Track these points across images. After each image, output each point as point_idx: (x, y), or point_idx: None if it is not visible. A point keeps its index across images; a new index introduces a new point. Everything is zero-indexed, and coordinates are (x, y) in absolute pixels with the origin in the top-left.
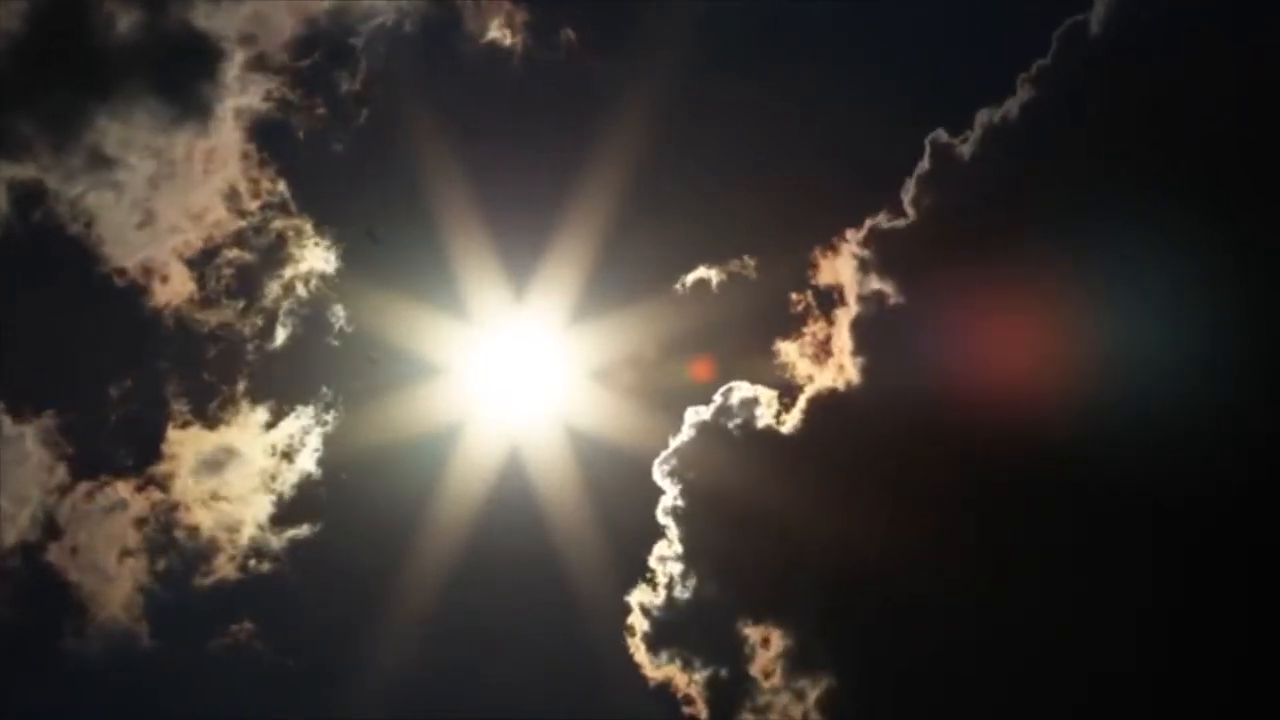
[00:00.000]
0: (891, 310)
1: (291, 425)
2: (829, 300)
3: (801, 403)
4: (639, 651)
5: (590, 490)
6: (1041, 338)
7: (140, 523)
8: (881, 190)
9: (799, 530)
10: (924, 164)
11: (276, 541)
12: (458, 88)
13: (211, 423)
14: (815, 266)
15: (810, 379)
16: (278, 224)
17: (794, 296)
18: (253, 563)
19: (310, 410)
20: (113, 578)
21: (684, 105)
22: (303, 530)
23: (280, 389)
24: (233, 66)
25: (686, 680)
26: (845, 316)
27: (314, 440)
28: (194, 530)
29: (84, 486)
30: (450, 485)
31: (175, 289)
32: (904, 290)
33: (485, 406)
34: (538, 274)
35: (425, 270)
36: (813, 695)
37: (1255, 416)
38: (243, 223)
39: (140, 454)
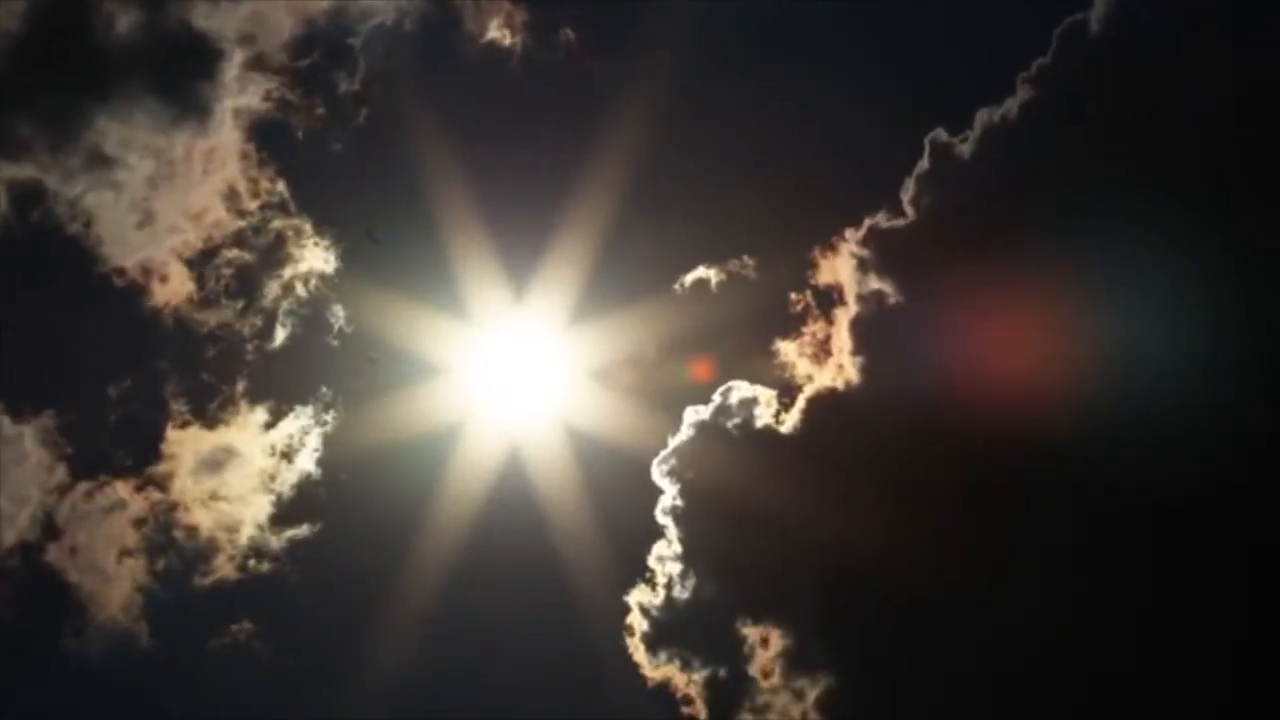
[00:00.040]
0: (891, 310)
1: (291, 425)
2: (828, 300)
3: (801, 402)
4: (638, 651)
5: (590, 490)
6: (1041, 338)
7: (139, 523)
8: (881, 190)
9: (798, 530)
10: (923, 163)
11: (276, 541)
12: (457, 88)
13: (211, 423)
14: (815, 266)
15: (810, 379)
16: (277, 224)
17: (793, 296)
18: (252, 563)
19: (310, 410)
20: (112, 578)
21: (683, 105)
22: (302, 530)
23: (280, 389)
24: (232, 66)
25: (685, 680)
26: (844, 316)
27: (313, 440)
28: (193, 530)
29: (83, 486)
30: (450, 485)
31: (174, 289)
32: (903, 290)
33: (485, 406)
34: (537, 274)
35: (425, 270)
36: (812, 695)
37: (1255, 416)
38: (242, 223)
39: (139, 454)
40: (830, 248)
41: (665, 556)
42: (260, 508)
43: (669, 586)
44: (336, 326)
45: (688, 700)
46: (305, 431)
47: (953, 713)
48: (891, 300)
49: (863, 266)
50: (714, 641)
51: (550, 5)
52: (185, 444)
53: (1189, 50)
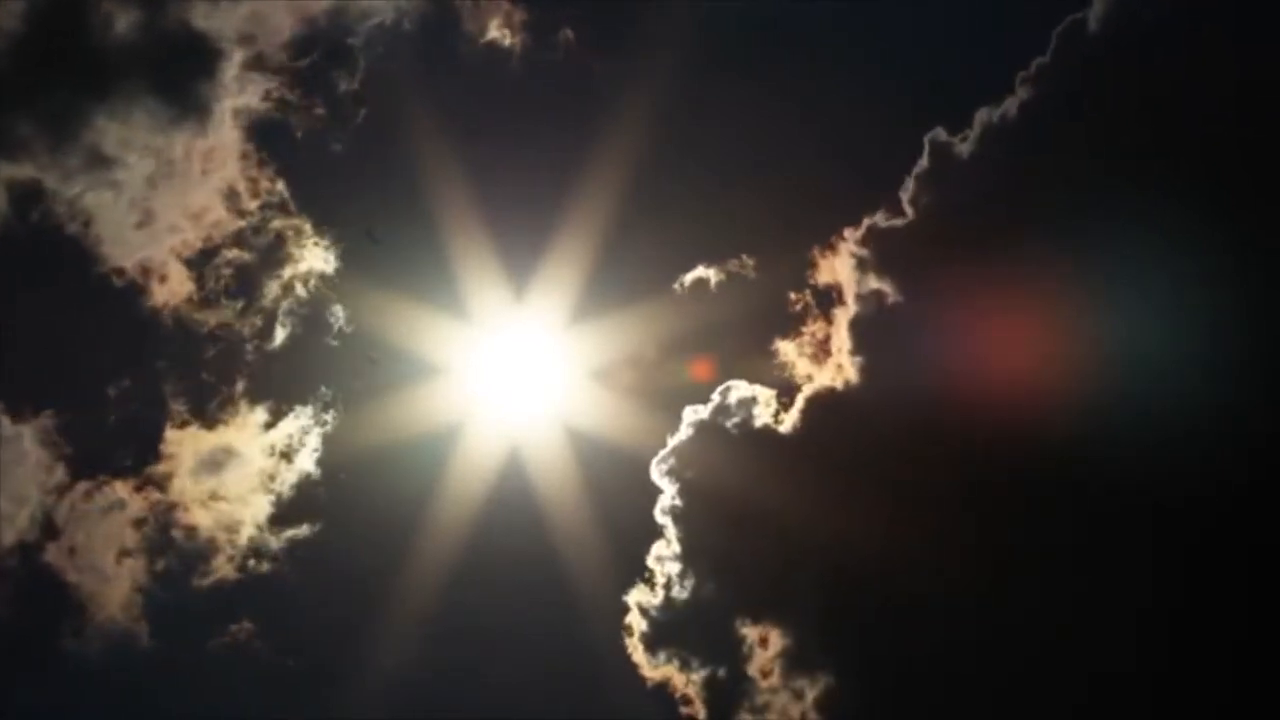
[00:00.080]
0: (890, 309)
1: (290, 425)
2: (828, 299)
3: (800, 402)
4: (637, 651)
5: (590, 490)
6: (1041, 337)
7: (139, 523)
8: (880, 189)
9: (797, 530)
10: (923, 163)
11: (275, 542)
12: (456, 88)
13: (210, 423)
14: (814, 266)
15: (809, 378)
16: (277, 224)
17: (793, 296)
18: (252, 563)
19: (309, 410)
20: (111, 578)
21: (683, 105)
22: (302, 530)
23: (279, 389)
24: (231, 66)
25: (684, 680)
26: (844, 316)
27: (313, 440)
28: (192, 530)
29: (82, 486)
30: (450, 485)
31: (174, 289)
32: (902, 289)
33: (485, 406)
34: (537, 274)
35: (424, 270)
36: (811, 695)
37: (1255, 416)
38: (241, 222)
39: (139, 454)
40: (830, 247)
41: (664, 556)
42: (260, 508)
43: (668, 586)
44: (336, 326)
45: (686, 700)
46: (305, 431)
47: (952, 713)
48: (891, 300)
49: (862, 266)
50: (713, 641)
51: (550, 5)
52: (185, 444)
53: (1189, 49)
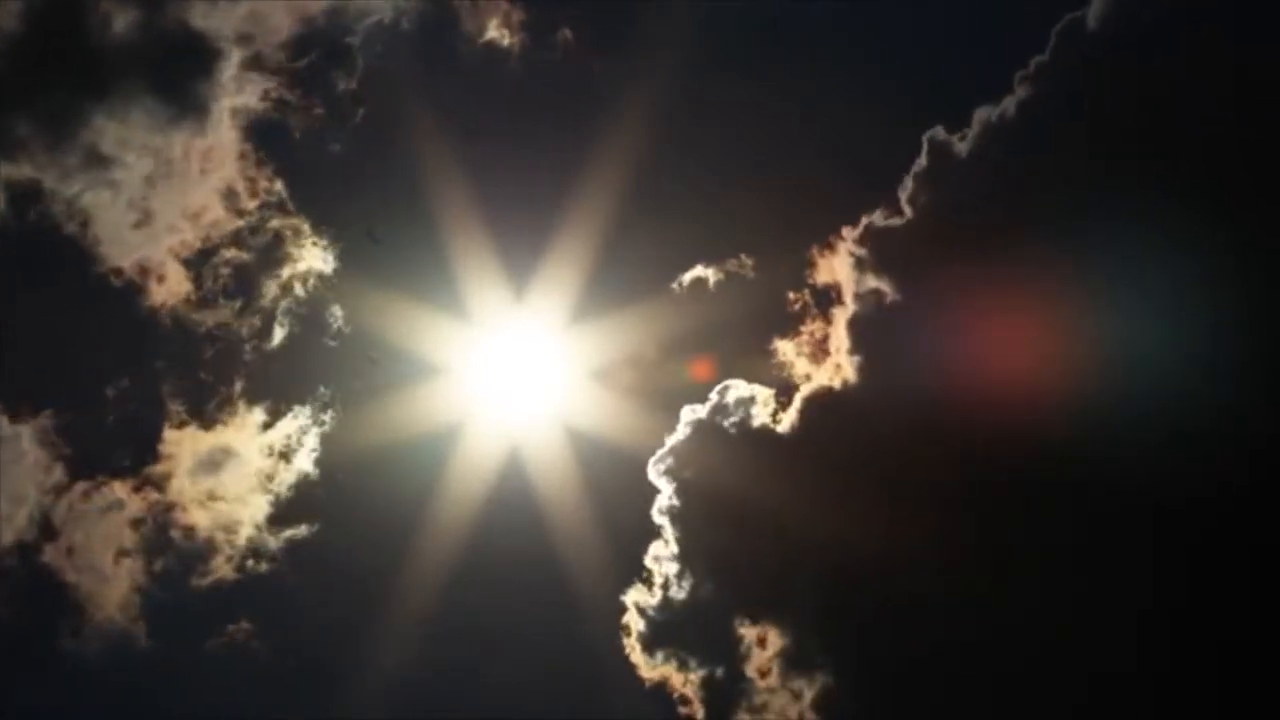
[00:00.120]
0: (889, 309)
1: (289, 425)
2: (826, 299)
3: (798, 401)
4: (635, 651)
5: (590, 490)
6: (1041, 337)
7: (137, 523)
8: (879, 189)
9: (795, 529)
10: (922, 162)
11: (274, 542)
12: (455, 87)
13: (208, 423)
14: (813, 265)
15: (807, 378)
16: (275, 223)
17: (791, 295)
18: (250, 563)
19: (308, 410)
20: (110, 578)
21: (683, 105)
22: (300, 530)
23: (278, 389)
24: (230, 66)
25: (682, 680)
26: (842, 315)
27: (311, 440)
28: (191, 530)
29: (81, 486)
30: (449, 485)
31: (172, 289)
32: (901, 289)
33: (484, 406)
34: (536, 274)
35: (424, 270)
36: (809, 695)
37: (1255, 416)
38: (240, 222)
39: (137, 454)
40: (828, 247)
41: (662, 556)
42: (258, 508)
43: (665, 586)
44: (335, 326)
45: (684, 700)
46: (303, 431)
47: (952, 713)
48: (889, 299)
49: (860, 266)
50: (711, 641)
51: (549, 5)
52: (183, 444)
53: (1188, 48)
